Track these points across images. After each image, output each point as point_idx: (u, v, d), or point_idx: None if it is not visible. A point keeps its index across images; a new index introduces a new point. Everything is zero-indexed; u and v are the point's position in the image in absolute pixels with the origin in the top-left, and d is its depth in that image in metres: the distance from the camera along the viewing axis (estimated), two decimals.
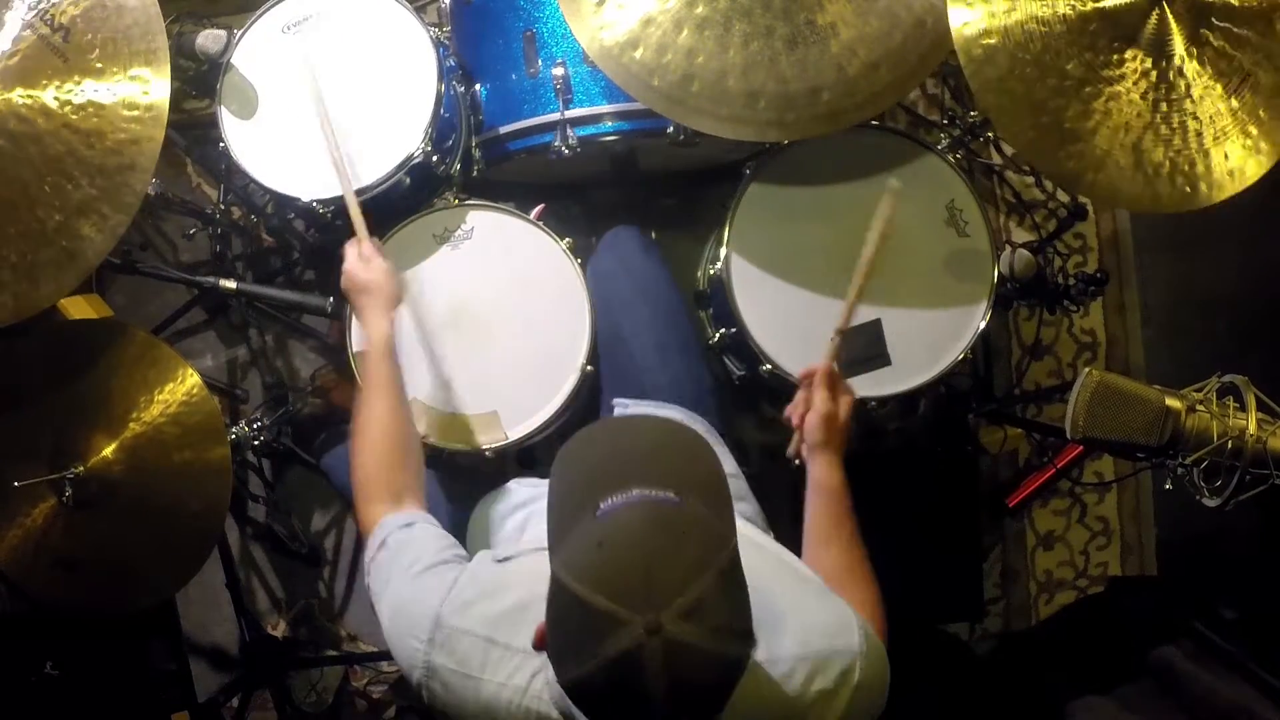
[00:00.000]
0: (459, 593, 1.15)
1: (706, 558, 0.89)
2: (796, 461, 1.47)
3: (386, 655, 2.21)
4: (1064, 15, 1.47)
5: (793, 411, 1.47)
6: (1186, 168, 1.51)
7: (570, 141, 1.72)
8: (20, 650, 1.96)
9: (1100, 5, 1.48)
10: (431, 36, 1.73)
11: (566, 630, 0.90)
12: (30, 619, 1.90)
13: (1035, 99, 1.48)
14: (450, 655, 1.11)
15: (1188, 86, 1.50)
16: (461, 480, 1.71)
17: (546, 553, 0.95)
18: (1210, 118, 1.51)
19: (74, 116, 1.51)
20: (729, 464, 1.60)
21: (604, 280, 1.75)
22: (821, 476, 1.40)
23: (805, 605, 1.15)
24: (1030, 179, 2.28)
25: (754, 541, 1.29)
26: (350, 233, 1.60)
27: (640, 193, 2.19)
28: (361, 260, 1.55)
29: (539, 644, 0.96)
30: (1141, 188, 1.51)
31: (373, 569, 1.24)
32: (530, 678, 1.08)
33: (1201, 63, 1.50)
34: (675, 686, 0.86)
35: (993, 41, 1.47)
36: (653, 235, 1.99)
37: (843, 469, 1.41)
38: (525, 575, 1.15)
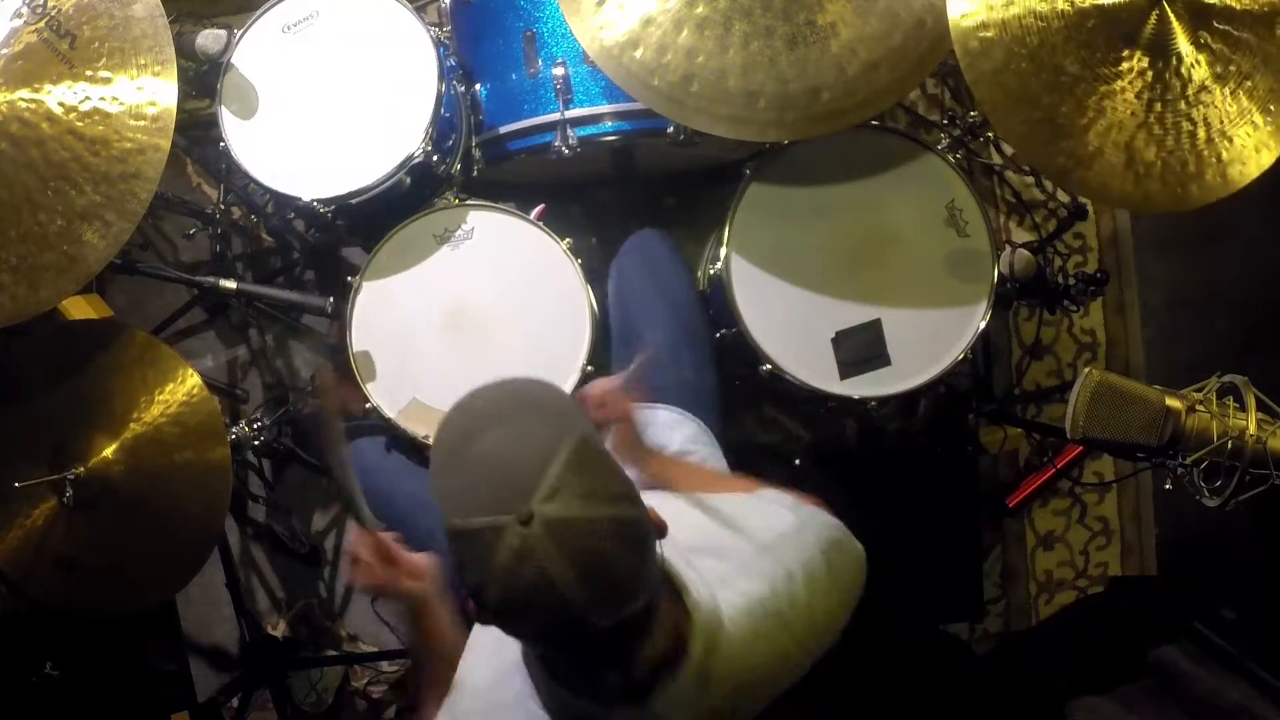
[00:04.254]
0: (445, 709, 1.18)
1: (549, 446, 0.92)
2: (797, 461, 1.48)
3: (386, 655, 2.21)
4: (1062, 11, 1.48)
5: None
6: (1178, 168, 1.51)
7: (570, 141, 1.72)
8: (20, 650, 1.96)
9: (1099, 3, 1.48)
10: (432, 36, 1.73)
11: (467, 566, 0.93)
12: (30, 619, 1.90)
13: (1030, 94, 1.48)
14: None
15: (1184, 87, 1.50)
16: None
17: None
18: (1205, 120, 1.51)
19: (80, 124, 1.51)
20: (720, 463, 1.61)
21: (626, 277, 1.77)
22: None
23: (747, 510, 1.20)
24: (1030, 179, 2.28)
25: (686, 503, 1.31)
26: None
27: (640, 193, 2.19)
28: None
29: (471, 615, 0.98)
30: (1132, 186, 1.51)
31: None
32: (527, 716, 1.08)
33: (1199, 64, 1.50)
34: (576, 565, 0.88)
35: (989, 35, 1.47)
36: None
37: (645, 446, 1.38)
38: (494, 642, 1.16)
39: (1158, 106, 1.50)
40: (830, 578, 1.16)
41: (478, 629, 1.27)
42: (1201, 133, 1.51)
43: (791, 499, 1.24)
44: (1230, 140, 1.51)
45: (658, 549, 0.98)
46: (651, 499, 1.05)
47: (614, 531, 0.91)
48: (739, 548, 1.17)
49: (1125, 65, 1.49)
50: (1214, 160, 1.51)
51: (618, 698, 1.02)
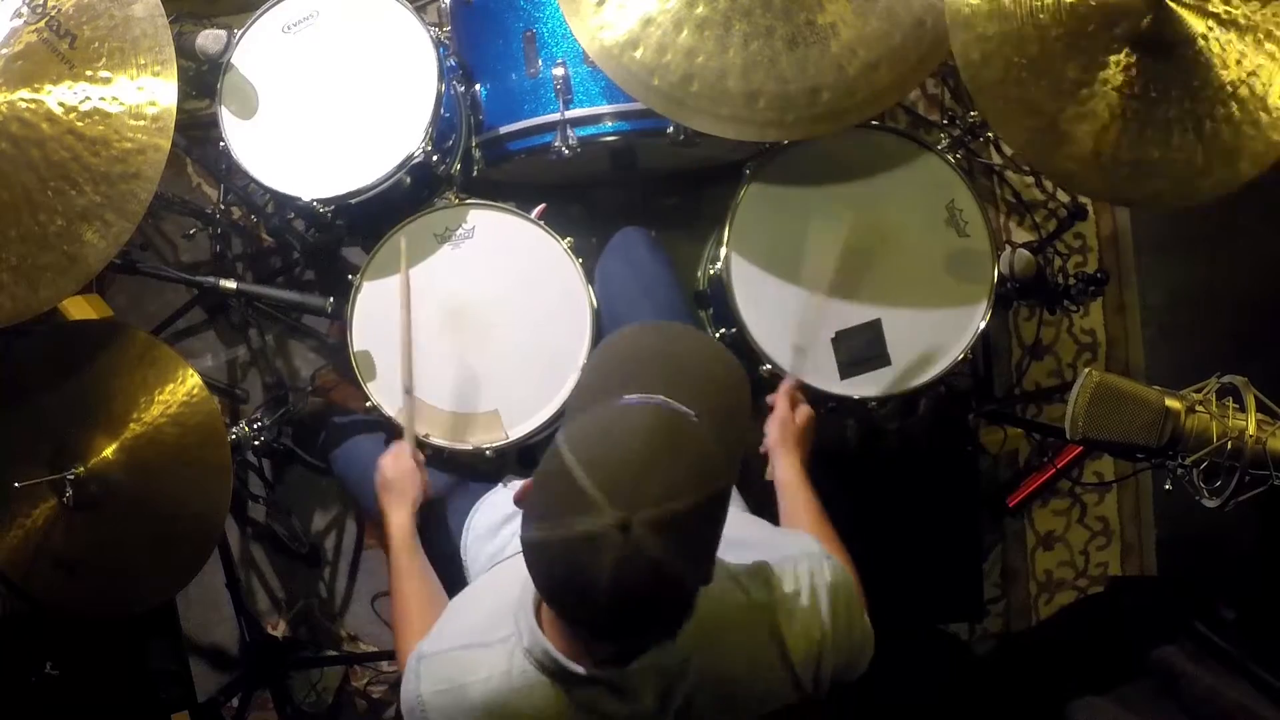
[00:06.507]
0: (436, 625, 1.21)
1: (698, 480, 0.93)
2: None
3: (386, 655, 2.21)
4: (1061, 16, 1.47)
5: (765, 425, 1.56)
6: (1184, 166, 1.51)
7: (570, 141, 1.72)
8: (20, 650, 1.96)
9: (1098, 3, 1.47)
10: (431, 36, 1.73)
11: (547, 494, 0.95)
12: (30, 619, 1.90)
13: (1031, 100, 1.47)
14: (433, 680, 1.14)
15: (1186, 84, 1.49)
16: (461, 480, 1.72)
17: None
18: (1211, 115, 1.50)
19: (80, 124, 1.51)
20: None
21: (610, 278, 1.77)
22: (780, 474, 1.49)
23: (765, 533, 1.26)
24: (1030, 179, 2.28)
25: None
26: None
27: (640, 193, 2.19)
28: (395, 459, 1.58)
29: (519, 498, 1.02)
30: (1135, 186, 1.51)
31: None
32: (509, 659, 1.10)
33: (1204, 60, 1.50)
34: (618, 581, 0.90)
35: (990, 47, 1.47)
36: (653, 235, 1.99)
37: (800, 466, 1.50)
38: (501, 581, 1.21)
39: (1160, 106, 1.49)
40: (838, 612, 1.16)
41: (484, 576, 1.34)
42: (1208, 128, 1.50)
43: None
44: (1234, 135, 1.50)
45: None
46: None
47: (667, 587, 0.94)
48: (762, 543, 1.20)
49: (1123, 65, 1.49)
50: (1217, 157, 1.50)
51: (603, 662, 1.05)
